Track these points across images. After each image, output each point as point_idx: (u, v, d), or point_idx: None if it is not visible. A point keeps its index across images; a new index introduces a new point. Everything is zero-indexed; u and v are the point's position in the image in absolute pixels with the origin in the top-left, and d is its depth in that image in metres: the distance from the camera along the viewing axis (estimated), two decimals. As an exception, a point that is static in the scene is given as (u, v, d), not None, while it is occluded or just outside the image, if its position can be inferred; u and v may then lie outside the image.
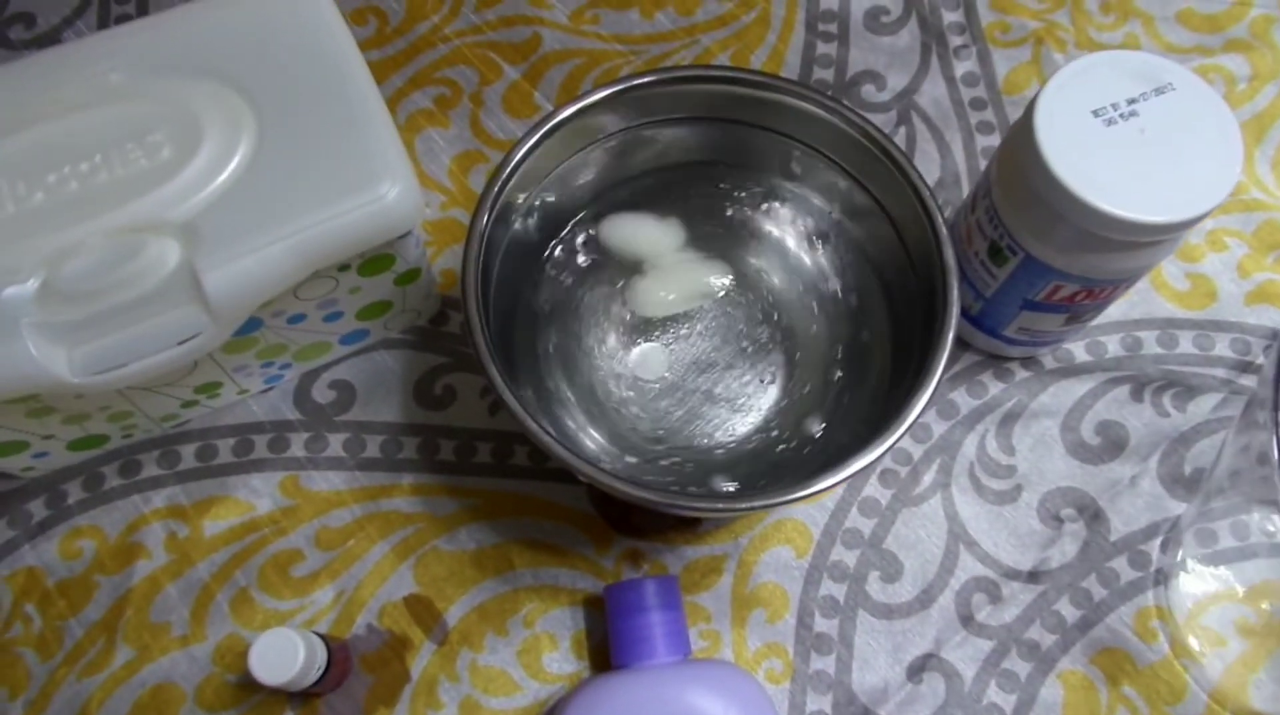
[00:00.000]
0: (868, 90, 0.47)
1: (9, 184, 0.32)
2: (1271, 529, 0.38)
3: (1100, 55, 0.33)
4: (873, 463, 0.31)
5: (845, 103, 0.36)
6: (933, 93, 0.47)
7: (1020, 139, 0.33)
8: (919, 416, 0.31)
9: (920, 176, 0.35)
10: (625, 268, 0.40)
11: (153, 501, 0.39)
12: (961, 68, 0.48)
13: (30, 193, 0.32)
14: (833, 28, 0.49)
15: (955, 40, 0.48)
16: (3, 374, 0.30)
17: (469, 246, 0.33)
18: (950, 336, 0.32)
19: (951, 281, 0.33)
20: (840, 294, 0.40)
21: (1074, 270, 0.34)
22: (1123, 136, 0.32)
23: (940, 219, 0.34)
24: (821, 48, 0.48)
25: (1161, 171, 0.31)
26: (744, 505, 0.33)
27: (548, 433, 0.31)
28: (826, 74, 0.48)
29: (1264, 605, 0.38)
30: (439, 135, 0.46)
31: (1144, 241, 0.32)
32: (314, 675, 0.33)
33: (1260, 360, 0.42)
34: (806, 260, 0.40)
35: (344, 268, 0.35)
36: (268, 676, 0.32)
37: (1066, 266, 0.34)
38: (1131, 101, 0.32)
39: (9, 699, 0.36)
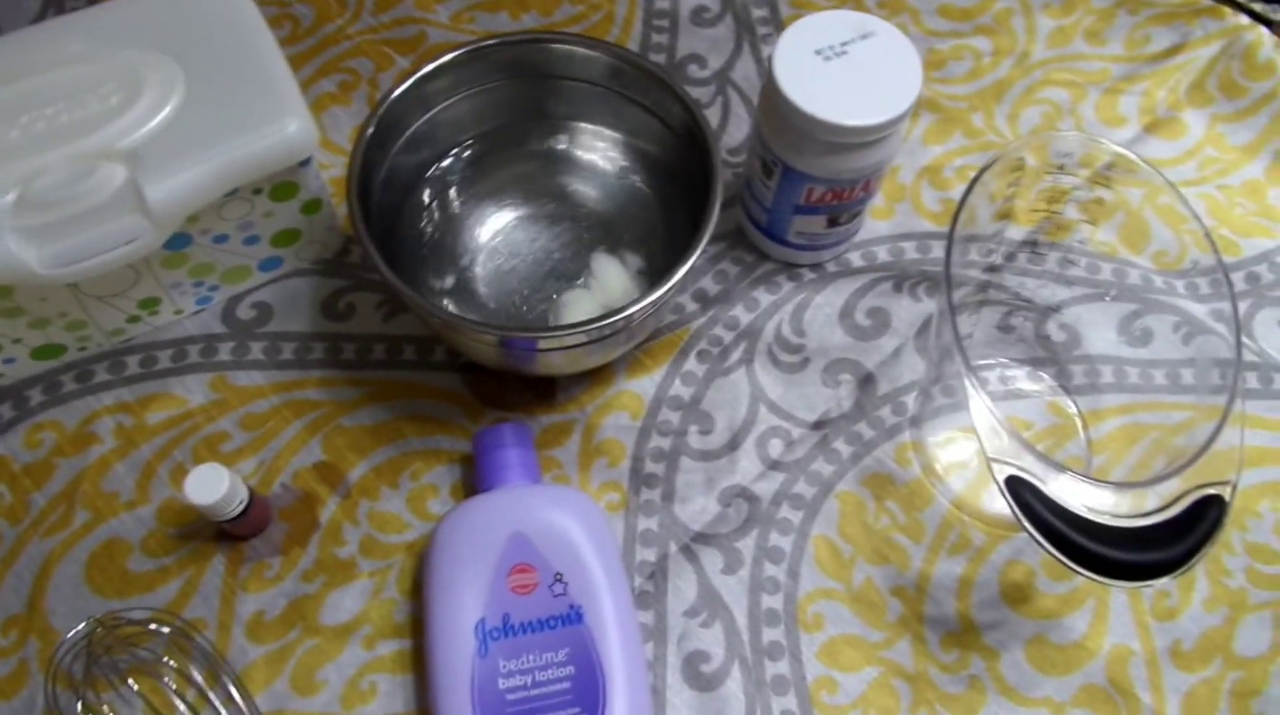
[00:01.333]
0: (693, 69, 0.59)
1: (-10, 125, 0.41)
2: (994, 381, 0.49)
3: (824, 13, 0.45)
4: (652, 303, 0.41)
5: (611, 43, 0.48)
6: (744, 70, 0.59)
7: (769, 77, 0.44)
8: (684, 274, 0.41)
9: (682, 88, 0.46)
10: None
11: (103, 400, 0.48)
12: (766, 50, 0.59)
13: (7, 131, 0.41)
14: (665, 22, 0.61)
15: (762, 30, 0.60)
16: (-13, 265, 0.39)
17: (353, 153, 0.43)
18: (714, 213, 0.42)
19: (715, 163, 0.43)
20: (650, 206, 0.50)
21: (819, 173, 0.45)
22: (836, 68, 0.43)
23: (703, 118, 0.45)
24: (655, 38, 0.60)
25: (864, 91, 0.42)
26: (545, 332, 0.42)
27: (398, 280, 0.41)
28: (660, 57, 0.59)
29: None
30: (341, 111, 0.56)
31: (859, 142, 0.43)
32: (237, 507, 0.42)
33: (999, 260, 0.53)
34: (614, 177, 0.51)
35: (257, 191, 0.44)
36: (198, 497, 0.40)
37: (812, 170, 0.45)
38: (844, 44, 0.44)
39: (-17, 555, 0.44)
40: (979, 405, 0.37)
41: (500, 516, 0.41)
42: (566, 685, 0.39)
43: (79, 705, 0.39)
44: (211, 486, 0.41)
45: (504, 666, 0.39)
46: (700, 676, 0.43)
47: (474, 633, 0.39)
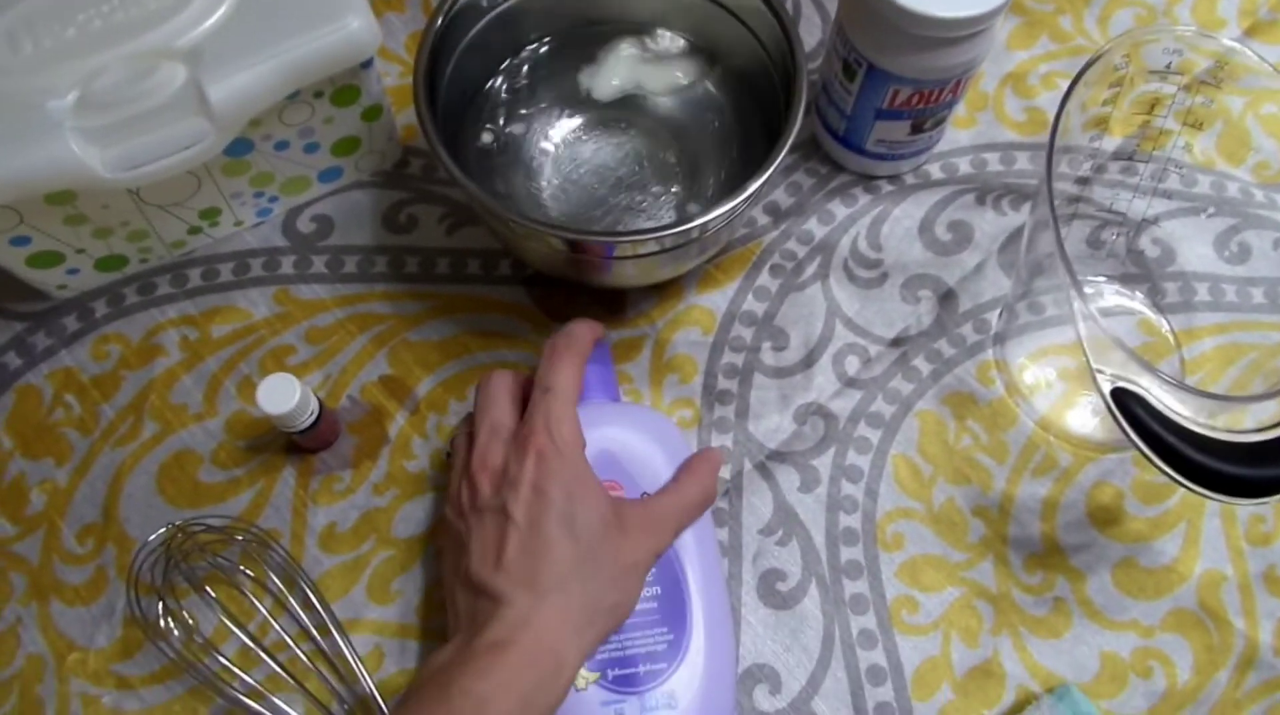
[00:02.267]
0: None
1: (47, 24, 0.39)
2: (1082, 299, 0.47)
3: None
4: (728, 212, 0.39)
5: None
6: (817, -27, 0.56)
7: (857, -31, 0.41)
8: (762, 183, 0.39)
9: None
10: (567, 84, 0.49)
11: (167, 313, 0.47)
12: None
13: (64, 29, 0.39)
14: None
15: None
16: (52, 168, 0.38)
17: (419, 51, 0.41)
18: (798, 118, 0.40)
19: (800, 62, 0.41)
20: (724, 115, 0.48)
21: (906, 72, 0.42)
22: (932, -42, 0.40)
23: (785, 12, 0.42)
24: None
25: (961, -18, 0.40)
26: (621, 237, 0.41)
27: (472, 182, 0.39)
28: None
29: (1081, 358, 0.46)
30: (397, 18, 0.54)
31: (951, 37, 0.40)
32: (307, 418, 0.41)
33: (1089, 172, 0.50)
34: (686, 85, 0.49)
35: (318, 94, 0.43)
36: (271, 407, 0.39)
37: (900, 69, 0.42)
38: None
39: (55, 466, 0.44)
40: (1084, 315, 0.35)
41: (588, 434, 0.40)
42: (654, 605, 0.38)
43: (159, 608, 0.40)
44: (284, 396, 0.40)
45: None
46: (776, 595, 0.42)
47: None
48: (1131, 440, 0.34)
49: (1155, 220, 0.48)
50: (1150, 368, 0.34)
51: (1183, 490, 0.44)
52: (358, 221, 0.49)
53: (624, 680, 0.37)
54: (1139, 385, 0.34)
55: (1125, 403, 0.34)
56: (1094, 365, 0.35)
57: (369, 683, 0.40)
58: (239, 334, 0.47)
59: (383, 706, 0.40)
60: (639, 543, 0.36)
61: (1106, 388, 0.35)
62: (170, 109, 0.39)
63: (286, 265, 0.48)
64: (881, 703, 0.40)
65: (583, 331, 0.40)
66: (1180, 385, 0.34)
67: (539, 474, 0.35)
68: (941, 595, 0.42)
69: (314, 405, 0.41)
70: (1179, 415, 0.34)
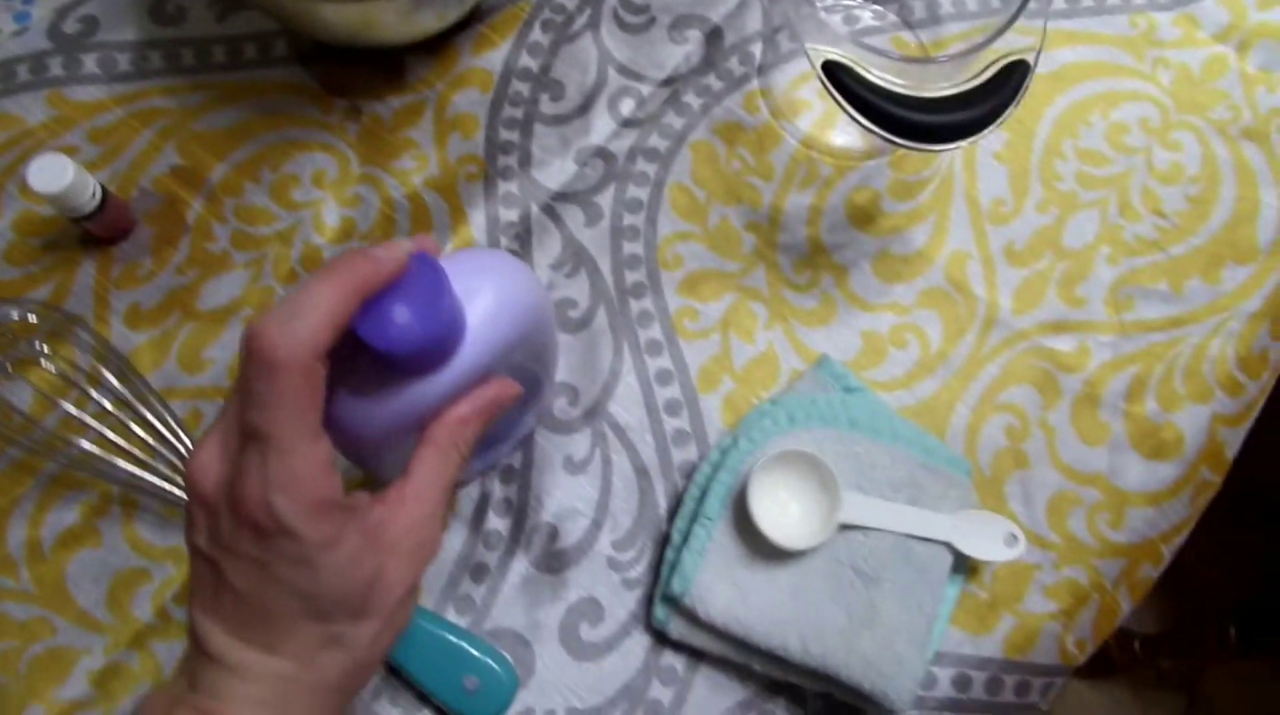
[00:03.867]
0: None
1: None
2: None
3: None
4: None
5: None
6: None
7: None
8: None
9: None
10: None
11: (-63, 126, 0.47)
12: None
13: None
14: None
15: None
16: None
17: None
18: None
19: None
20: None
21: None
22: None
23: None
24: None
25: None
26: None
27: None
28: None
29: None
30: None
31: None
32: (90, 201, 0.42)
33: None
34: None
35: None
36: (42, 185, 0.40)
37: None
38: None
39: None
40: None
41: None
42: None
43: (-33, 398, 0.41)
44: (56, 174, 0.40)
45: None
46: (570, 321, 0.45)
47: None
48: (841, 106, 0.37)
49: (902, -57, 0.51)
50: (854, 39, 0.37)
51: (933, 186, 0.48)
52: (123, 17, 0.48)
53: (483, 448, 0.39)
54: (847, 58, 0.38)
55: (834, 73, 0.37)
56: (808, 45, 0.38)
57: (188, 440, 0.42)
58: (15, 140, 0.46)
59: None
60: (408, 570, 0.30)
61: (818, 62, 0.38)
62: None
63: (55, 67, 0.48)
64: (670, 399, 0.45)
65: (316, 291, 0.28)
66: (877, 51, 0.37)
67: (260, 550, 0.28)
68: (719, 302, 0.46)
69: (94, 187, 0.42)
70: (888, 82, 0.38)
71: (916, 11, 0.50)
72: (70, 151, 0.46)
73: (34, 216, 0.45)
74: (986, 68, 0.38)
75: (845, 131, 0.48)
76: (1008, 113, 0.38)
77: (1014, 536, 0.42)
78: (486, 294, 0.31)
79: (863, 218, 0.47)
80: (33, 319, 0.43)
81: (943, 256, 0.47)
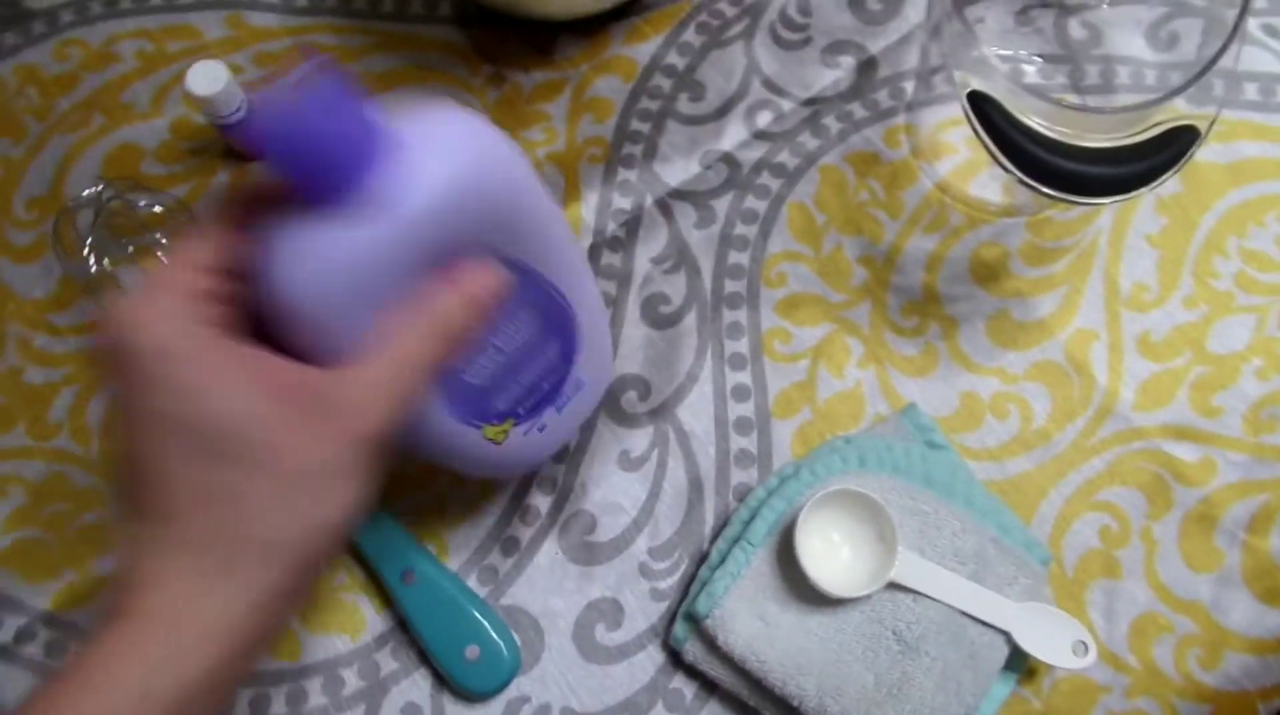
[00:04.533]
0: None
1: None
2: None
3: None
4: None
5: None
6: None
7: None
8: None
9: None
10: None
11: (126, 25, 0.50)
12: None
13: None
14: None
15: None
16: None
17: None
18: None
19: None
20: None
21: None
22: None
23: None
24: None
25: None
26: None
27: None
28: None
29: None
30: None
31: None
32: (236, 111, 0.44)
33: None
34: None
35: None
36: (197, 86, 0.42)
37: None
38: None
39: (12, 145, 0.48)
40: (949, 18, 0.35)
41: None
42: (535, 327, 0.34)
43: (91, 268, 0.43)
44: (211, 79, 0.43)
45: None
46: (659, 317, 0.44)
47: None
48: (980, 138, 0.35)
49: (1088, 5, 0.48)
50: (1009, 76, 0.35)
51: (1070, 256, 0.45)
52: (313, -39, 0.52)
53: (535, 406, 0.36)
54: (998, 91, 0.35)
55: (979, 104, 0.35)
56: (957, 73, 0.36)
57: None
58: (191, 51, 0.50)
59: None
60: (320, 437, 0.27)
61: (964, 91, 0.36)
62: None
63: (236, -6, 0.51)
64: (742, 417, 0.43)
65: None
66: (1031, 90, 0.35)
67: (119, 384, 0.26)
68: (815, 329, 0.44)
69: (243, 99, 0.44)
70: (1042, 125, 0.35)
71: (1089, 76, 0.47)
72: (236, 70, 0.49)
73: (189, 122, 0.48)
74: (1151, 126, 0.35)
75: (987, 185, 0.46)
76: (1167, 176, 0.35)
77: (1084, 645, 0.37)
78: (431, 137, 0.28)
79: (986, 274, 0.44)
80: (160, 212, 0.45)
81: (1066, 332, 0.43)
